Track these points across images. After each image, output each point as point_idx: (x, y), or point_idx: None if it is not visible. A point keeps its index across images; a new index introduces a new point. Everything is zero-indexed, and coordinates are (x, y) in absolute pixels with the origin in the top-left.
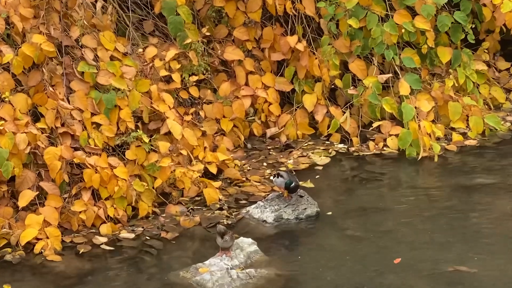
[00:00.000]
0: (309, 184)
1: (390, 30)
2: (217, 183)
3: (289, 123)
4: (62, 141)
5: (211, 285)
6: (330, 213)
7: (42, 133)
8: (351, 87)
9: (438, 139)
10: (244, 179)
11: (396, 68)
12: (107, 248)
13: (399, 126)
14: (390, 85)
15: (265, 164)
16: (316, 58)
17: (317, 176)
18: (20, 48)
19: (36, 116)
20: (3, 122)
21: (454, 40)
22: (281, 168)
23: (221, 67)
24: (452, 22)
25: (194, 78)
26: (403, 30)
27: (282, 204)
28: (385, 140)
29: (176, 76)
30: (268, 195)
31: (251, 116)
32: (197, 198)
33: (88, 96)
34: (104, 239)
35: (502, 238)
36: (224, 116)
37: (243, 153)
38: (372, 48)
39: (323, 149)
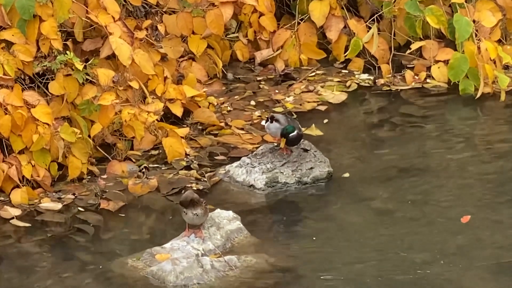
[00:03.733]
0: (316, 132)
1: None
2: (183, 131)
3: (288, 44)
4: None
5: (173, 279)
6: (347, 175)
7: None
8: None
9: (506, 68)
10: (222, 124)
11: None
12: (21, 224)
13: (450, 49)
14: None
15: (253, 102)
16: None
17: (325, 121)
18: None
19: None
20: None
21: None
22: (276, 109)
23: None
24: None
25: None
26: None
27: (278, 162)
28: (428, 68)
29: None
30: (257, 148)
31: (234, 33)
32: (153, 152)
33: None
34: (17, 211)
35: None
36: (193, 33)
37: (221, 87)
38: None
39: (338, 81)
